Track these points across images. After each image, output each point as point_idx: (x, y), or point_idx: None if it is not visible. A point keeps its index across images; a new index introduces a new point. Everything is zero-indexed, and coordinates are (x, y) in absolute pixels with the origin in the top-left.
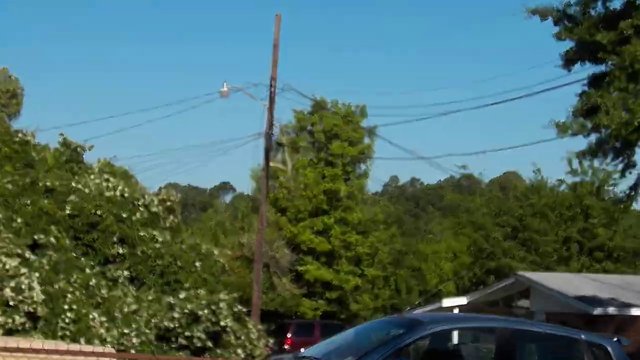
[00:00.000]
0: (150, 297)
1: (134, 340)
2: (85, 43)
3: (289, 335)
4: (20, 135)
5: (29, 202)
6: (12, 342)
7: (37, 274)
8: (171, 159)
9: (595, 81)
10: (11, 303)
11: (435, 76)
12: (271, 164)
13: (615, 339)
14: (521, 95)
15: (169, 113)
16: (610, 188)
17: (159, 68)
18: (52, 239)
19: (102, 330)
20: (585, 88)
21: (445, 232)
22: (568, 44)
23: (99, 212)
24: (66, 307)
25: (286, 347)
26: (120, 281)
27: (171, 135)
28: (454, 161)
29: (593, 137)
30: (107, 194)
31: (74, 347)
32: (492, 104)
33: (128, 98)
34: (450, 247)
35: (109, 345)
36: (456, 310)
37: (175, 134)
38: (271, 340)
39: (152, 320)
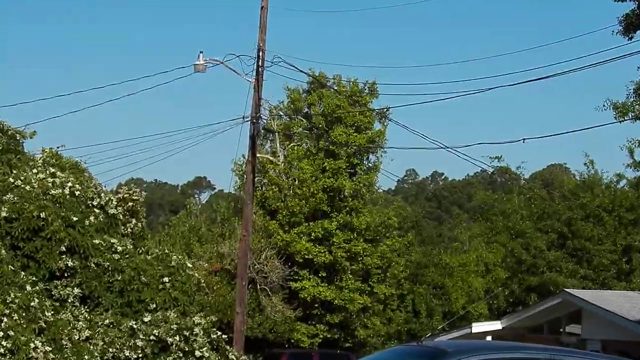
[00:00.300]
0: (107, 321)
1: None
2: (37, 9)
3: None
4: None
5: None
6: None
7: None
8: (135, 149)
9: None
10: None
11: (462, 48)
12: (258, 155)
13: None
14: (568, 70)
15: (131, 92)
16: None
17: (117, 38)
18: None
19: None
20: None
21: (475, 239)
22: (629, 5)
23: (43, 215)
24: (1, 334)
25: None
26: (69, 301)
27: (134, 120)
28: (486, 151)
29: None
30: (54, 192)
31: None
32: (531, 80)
33: (81, 75)
34: (481, 259)
35: None
36: (489, 338)
37: (140, 118)
38: None
39: (110, 350)
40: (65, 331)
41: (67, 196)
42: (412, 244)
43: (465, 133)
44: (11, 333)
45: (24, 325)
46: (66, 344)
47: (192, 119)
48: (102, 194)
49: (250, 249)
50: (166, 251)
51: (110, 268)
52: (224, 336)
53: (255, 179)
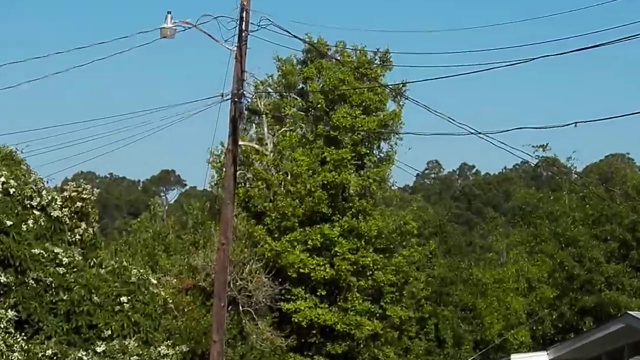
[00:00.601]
0: (49, 352)
1: None
2: None
3: None
4: None
5: None
6: None
7: None
8: (85, 135)
9: None
10: None
11: (496, 8)
12: (241, 142)
13: None
14: (632, 35)
15: (80, 63)
16: None
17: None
18: None
19: None
20: None
21: (514, 249)
22: None
23: None
24: None
25: None
26: (1, 326)
27: (84, 99)
28: (528, 138)
29: None
30: None
31: None
32: (585, 48)
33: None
34: (522, 273)
35: None
36: None
37: (92, 97)
38: None
39: None
40: None
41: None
42: (435, 254)
43: (501, 115)
44: None
45: None
46: None
47: (157, 97)
48: (44, 192)
49: (230, 260)
50: (124, 264)
51: (53, 285)
52: None
53: (237, 173)
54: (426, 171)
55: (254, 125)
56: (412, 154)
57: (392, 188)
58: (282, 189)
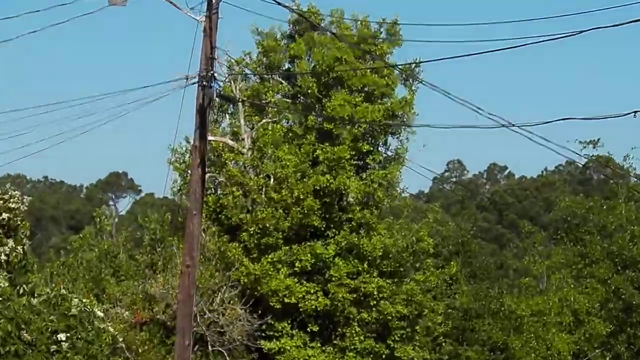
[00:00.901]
0: None
1: None
2: None
3: None
4: None
5: None
6: None
7: None
8: (13, 128)
9: None
10: None
11: None
12: (211, 137)
13: None
14: None
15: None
16: None
17: None
18: None
19: None
20: None
21: (556, 272)
22: None
23: None
24: None
25: None
26: None
27: (13, 81)
28: (574, 132)
29: None
30: None
31: None
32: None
33: None
34: (567, 303)
35: None
36: None
37: (21, 78)
38: None
39: None
40: None
41: None
42: (456, 279)
43: (540, 104)
44: None
45: None
46: None
47: (106, 83)
48: None
49: (197, 287)
50: (63, 292)
51: None
52: None
53: (206, 176)
54: (446, 174)
55: (227, 115)
56: (428, 152)
57: (403, 195)
58: (263, 196)
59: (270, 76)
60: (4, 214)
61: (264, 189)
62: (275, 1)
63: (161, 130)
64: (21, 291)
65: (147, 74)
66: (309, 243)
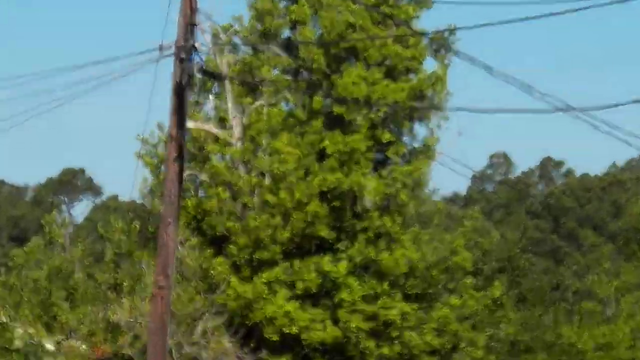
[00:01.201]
0: None
1: None
2: None
3: None
4: None
5: None
6: None
7: None
8: None
9: None
10: None
11: None
12: (191, 124)
13: None
14: None
15: None
16: None
17: None
18: None
19: None
20: None
21: (627, 294)
22: None
23: None
24: None
25: None
26: None
27: None
28: None
29: None
30: None
31: None
32: None
33: None
34: None
35: None
36: None
37: None
38: None
39: None
40: None
41: None
42: (501, 304)
43: (606, 83)
44: None
45: None
46: None
47: (60, 55)
48: None
49: (173, 314)
50: (3, 319)
51: None
52: None
53: (185, 174)
54: (488, 171)
55: (211, 97)
56: (466, 143)
57: (433, 198)
58: (257, 199)
59: (265, 47)
60: None
61: (257, 190)
62: None
63: (128, 116)
64: None
65: (113, 46)
66: (314, 258)
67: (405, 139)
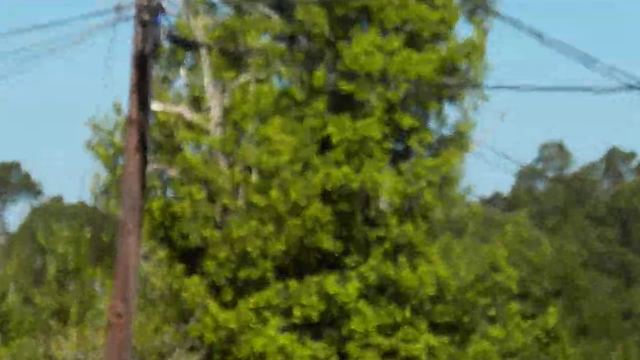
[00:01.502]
0: None
1: None
2: None
3: None
4: None
5: None
6: None
7: None
8: None
9: None
10: None
11: None
12: (157, 105)
13: None
14: None
15: None
16: None
17: None
18: None
19: None
20: None
21: None
22: None
23: None
24: None
25: None
26: None
27: None
28: None
29: None
30: None
31: None
32: None
33: None
34: None
35: None
36: None
37: None
38: None
39: None
40: None
41: None
42: (555, 335)
43: None
44: None
45: None
46: None
47: None
48: None
49: (134, 350)
50: None
51: None
52: None
53: (150, 168)
54: (538, 165)
55: (183, 70)
56: (510, 129)
57: (468, 199)
58: (241, 200)
59: (251, 4)
60: None
61: (242, 190)
62: None
63: (76, 95)
64: None
65: (54, 6)
66: (315, 277)
67: (432, 124)
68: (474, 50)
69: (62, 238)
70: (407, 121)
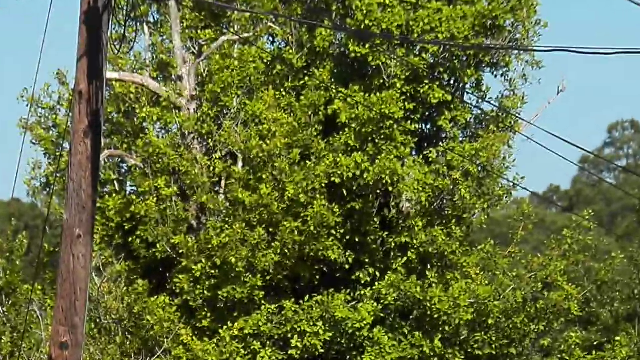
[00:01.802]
0: None
1: None
2: None
3: None
4: None
5: None
6: None
7: None
8: None
9: None
10: None
11: None
12: (112, 73)
13: None
14: None
15: None
16: None
17: None
18: None
19: None
20: None
21: None
22: None
23: None
24: None
25: None
26: None
27: None
28: None
29: None
30: None
31: None
32: None
33: None
34: None
35: None
36: None
37: None
38: None
39: None
40: None
41: None
42: None
43: None
44: None
45: None
46: None
47: None
48: None
49: None
50: None
51: None
52: None
53: (104, 155)
54: (606, 150)
55: (147, 29)
56: (571, 106)
57: (515, 195)
58: (222, 197)
59: None
60: None
61: (223, 183)
62: None
63: (7, 62)
64: None
65: None
66: (318, 297)
67: (468, 98)
68: (520, 5)
69: None
70: (436, 95)
